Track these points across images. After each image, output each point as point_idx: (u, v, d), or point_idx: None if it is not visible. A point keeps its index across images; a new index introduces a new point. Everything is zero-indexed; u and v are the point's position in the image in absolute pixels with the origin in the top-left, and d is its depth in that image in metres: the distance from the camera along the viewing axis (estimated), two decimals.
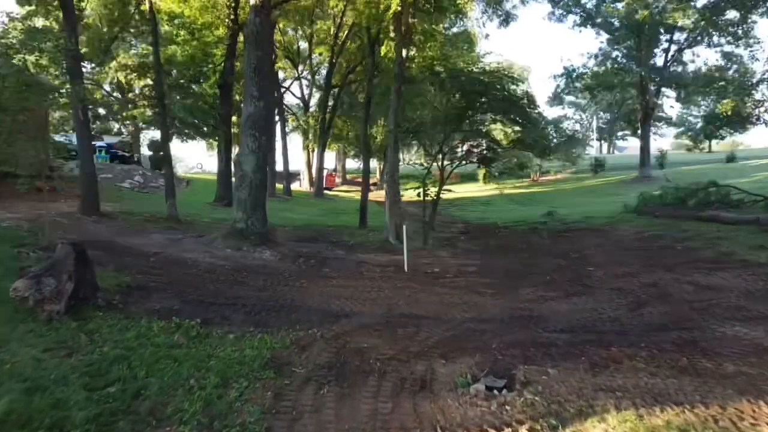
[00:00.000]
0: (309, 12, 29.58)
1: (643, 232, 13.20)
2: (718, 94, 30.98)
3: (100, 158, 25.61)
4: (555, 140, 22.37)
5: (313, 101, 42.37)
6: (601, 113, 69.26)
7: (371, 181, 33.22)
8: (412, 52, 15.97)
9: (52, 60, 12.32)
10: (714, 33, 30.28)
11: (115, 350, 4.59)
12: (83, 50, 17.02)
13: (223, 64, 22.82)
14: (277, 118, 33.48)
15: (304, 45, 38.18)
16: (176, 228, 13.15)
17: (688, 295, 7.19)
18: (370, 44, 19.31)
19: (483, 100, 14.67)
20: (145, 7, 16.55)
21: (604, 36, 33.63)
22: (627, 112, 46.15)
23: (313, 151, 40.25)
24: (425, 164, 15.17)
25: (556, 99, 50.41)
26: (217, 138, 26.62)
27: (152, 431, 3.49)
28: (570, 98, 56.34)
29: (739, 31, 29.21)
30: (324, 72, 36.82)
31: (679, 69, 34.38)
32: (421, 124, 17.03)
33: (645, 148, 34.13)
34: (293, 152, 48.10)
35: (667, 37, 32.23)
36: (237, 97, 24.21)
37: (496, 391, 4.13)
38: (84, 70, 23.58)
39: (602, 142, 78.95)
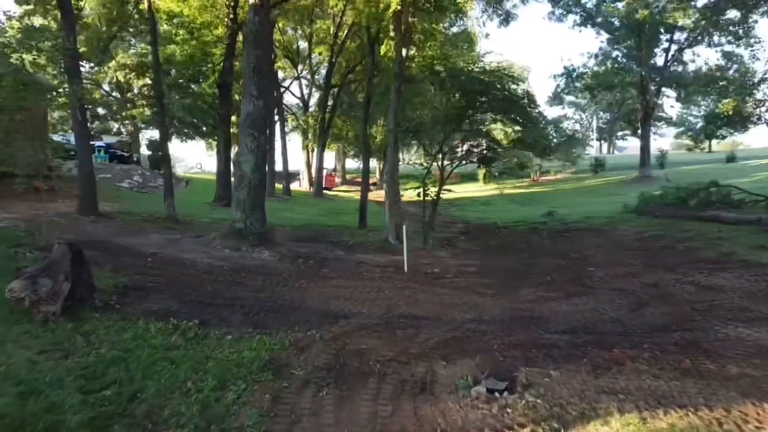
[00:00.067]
0: (308, 11, 29.52)
1: (643, 232, 13.15)
2: (719, 93, 30.95)
3: (98, 158, 25.54)
4: (555, 140, 22.30)
5: (313, 101, 42.34)
6: (601, 113, 69.21)
7: (371, 180, 33.18)
8: (412, 52, 15.92)
9: (49, 59, 12.25)
10: (714, 32, 30.23)
11: (111, 352, 4.54)
12: (82, 50, 16.93)
13: (222, 64, 22.76)
14: (276, 117, 33.42)
15: (303, 44, 38.14)
16: (175, 228, 13.08)
17: (690, 295, 7.16)
18: (370, 43, 19.26)
19: (483, 99, 14.60)
20: (144, 6, 16.48)
21: (605, 36, 33.60)
22: (627, 112, 46.09)
23: (312, 150, 40.21)
24: (425, 164, 15.11)
25: (556, 99, 50.36)
26: (216, 138, 26.54)
27: None
28: (570, 98, 56.28)
29: (740, 31, 29.17)
30: (323, 71, 36.79)
31: (680, 69, 34.32)
32: (421, 123, 16.97)
33: (645, 148, 34.07)
34: (293, 152, 48.17)
35: (668, 36, 32.19)
36: (236, 97, 24.12)
37: (497, 394, 4.09)
38: (83, 69, 23.56)
39: (602, 142, 78.92)
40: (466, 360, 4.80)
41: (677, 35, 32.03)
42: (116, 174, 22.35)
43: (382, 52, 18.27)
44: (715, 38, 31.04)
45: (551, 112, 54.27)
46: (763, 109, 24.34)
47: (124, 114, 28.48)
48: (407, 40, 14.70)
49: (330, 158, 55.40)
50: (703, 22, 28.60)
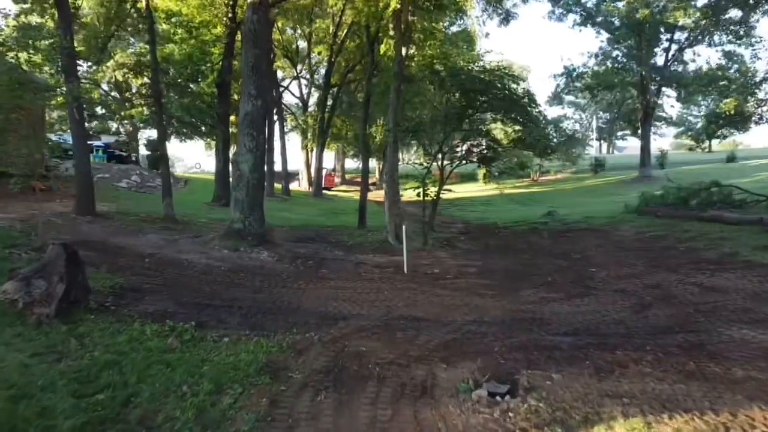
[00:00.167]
0: (308, 10, 29.45)
1: (644, 233, 13.08)
2: (720, 93, 30.91)
3: (97, 158, 25.47)
4: (555, 140, 22.27)
5: (312, 100, 42.31)
6: (601, 113, 69.21)
7: (370, 180, 33.20)
8: (411, 51, 15.87)
9: (46, 58, 12.15)
10: (715, 32, 30.19)
11: (105, 355, 4.45)
12: (79, 49, 16.84)
13: (220, 63, 22.69)
14: (275, 117, 33.34)
15: (303, 44, 38.11)
16: (173, 228, 12.99)
17: (693, 296, 7.08)
18: (370, 43, 19.18)
19: (483, 98, 14.55)
20: (142, 4, 16.39)
21: (605, 35, 33.61)
22: (627, 111, 46.06)
23: (311, 150, 40.14)
24: (425, 164, 15.05)
25: (556, 99, 50.40)
26: (214, 137, 26.48)
27: None
28: (570, 98, 56.34)
29: (741, 31, 29.12)
30: (323, 71, 36.75)
31: (680, 68, 34.29)
32: (421, 123, 16.93)
33: (645, 148, 34.05)
34: (292, 152, 48.10)
35: (668, 36, 32.17)
36: (235, 97, 24.07)
37: (498, 397, 4.00)
38: (81, 69, 23.46)
39: (602, 141, 78.96)
40: (466, 362, 4.71)
41: (677, 35, 32.06)
42: (114, 174, 22.27)
43: (381, 52, 18.21)
44: (716, 38, 31.04)
45: (551, 112, 54.36)
46: (765, 108, 24.27)
47: (122, 114, 28.39)
48: (407, 39, 14.64)
49: (329, 158, 55.47)
50: (703, 22, 28.55)
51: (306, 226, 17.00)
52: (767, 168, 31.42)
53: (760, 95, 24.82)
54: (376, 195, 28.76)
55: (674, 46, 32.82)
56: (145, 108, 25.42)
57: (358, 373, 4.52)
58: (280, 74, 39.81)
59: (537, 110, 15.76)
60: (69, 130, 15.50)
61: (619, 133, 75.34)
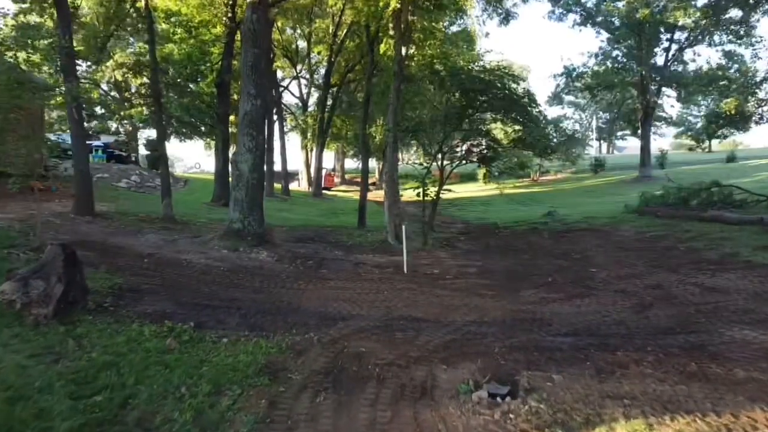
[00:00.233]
0: (307, 10, 29.43)
1: (645, 233, 13.06)
2: (721, 93, 30.90)
3: (96, 158, 25.42)
4: (555, 140, 22.25)
5: (312, 100, 42.26)
6: (601, 113, 69.17)
7: (370, 180, 33.18)
8: (411, 50, 15.84)
9: (44, 57, 12.12)
10: (715, 32, 30.16)
11: (103, 356, 4.41)
12: (78, 48, 16.80)
13: (220, 63, 22.66)
14: (275, 117, 33.30)
15: (302, 44, 38.06)
16: (172, 228, 12.95)
17: (694, 297, 7.06)
18: (369, 42, 19.16)
19: (483, 98, 14.53)
20: (141, 4, 16.36)
21: (605, 35, 33.59)
22: (627, 111, 46.07)
23: (311, 150, 40.10)
24: (425, 164, 15.02)
25: (556, 99, 50.38)
26: (214, 137, 26.45)
27: None
28: (569, 98, 56.33)
29: (741, 31, 29.10)
30: (322, 71, 36.70)
31: (680, 68, 34.26)
32: (421, 123, 16.90)
33: (645, 148, 34.03)
34: (291, 152, 48.08)
35: (668, 36, 32.14)
36: (235, 96, 24.05)
37: (499, 399, 3.98)
38: (81, 68, 23.42)
39: (601, 142, 78.93)
40: (467, 363, 4.69)
41: (677, 35, 32.02)
42: (114, 174, 22.22)
43: (381, 51, 18.19)
44: (716, 38, 31.02)
45: (551, 112, 54.28)
46: (765, 108, 24.25)
47: (122, 114, 28.37)
48: (407, 38, 14.62)
49: (329, 158, 55.43)
50: (703, 22, 28.53)
51: (305, 226, 16.98)
52: (767, 168, 31.42)
53: (761, 95, 24.83)
54: (376, 195, 28.74)
55: (674, 46, 32.83)
56: (144, 108, 25.38)
57: (358, 374, 4.50)
58: (279, 74, 39.78)
59: (537, 110, 15.74)
60: (68, 130, 15.48)
61: (619, 133, 75.32)
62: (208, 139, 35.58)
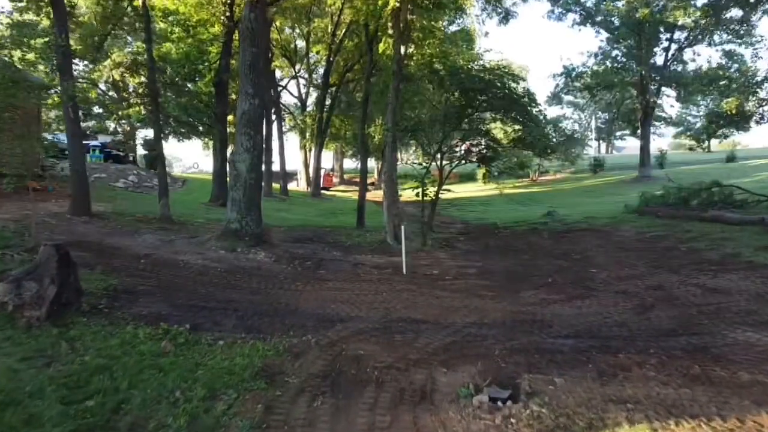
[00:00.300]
0: (306, 9, 29.38)
1: (645, 233, 12.99)
2: (721, 92, 30.87)
3: (93, 157, 25.35)
4: (554, 140, 22.20)
5: (311, 100, 42.19)
6: (600, 113, 69.14)
7: (369, 180, 33.11)
8: (410, 50, 15.77)
9: (40, 56, 12.03)
10: (715, 31, 30.12)
11: (96, 359, 4.34)
12: (76, 48, 16.70)
13: (218, 62, 22.56)
14: (273, 117, 33.22)
15: (301, 43, 37.99)
16: (169, 228, 12.87)
17: (695, 298, 6.99)
18: (368, 42, 19.09)
19: (483, 98, 14.45)
20: (138, 2, 16.26)
21: (604, 35, 33.55)
22: (626, 111, 46.06)
23: (310, 150, 40.03)
24: (424, 163, 14.95)
25: (555, 98, 50.32)
26: (212, 137, 26.36)
27: None
28: (569, 98, 56.24)
29: (741, 31, 29.06)
30: (321, 70, 36.64)
31: (680, 68, 34.22)
32: (420, 122, 16.83)
33: (645, 148, 33.99)
34: (290, 152, 48.01)
35: (668, 35, 32.10)
36: (233, 96, 23.98)
37: (500, 403, 3.90)
38: (79, 68, 23.34)
39: (600, 142, 78.90)
40: (467, 366, 4.63)
41: (677, 34, 31.98)
42: (111, 174, 22.14)
43: (380, 51, 18.13)
44: (716, 37, 30.98)
45: (550, 112, 54.19)
46: (766, 108, 24.20)
47: (120, 113, 28.26)
48: (406, 37, 14.55)
49: (328, 158, 55.37)
50: (703, 21, 28.48)
51: (304, 226, 16.91)
52: (767, 168, 31.39)
53: (762, 94, 24.80)
54: (375, 195, 28.64)
55: (674, 46, 32.80)
56: (142, 107, 25.27)
57: (356, 377, 4.43)
58: (278, 74, 39.70)
59: (537, 109, 15.67)
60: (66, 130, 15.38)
61: (618, 133, 75.28)
62: (206, 139, 35.50)
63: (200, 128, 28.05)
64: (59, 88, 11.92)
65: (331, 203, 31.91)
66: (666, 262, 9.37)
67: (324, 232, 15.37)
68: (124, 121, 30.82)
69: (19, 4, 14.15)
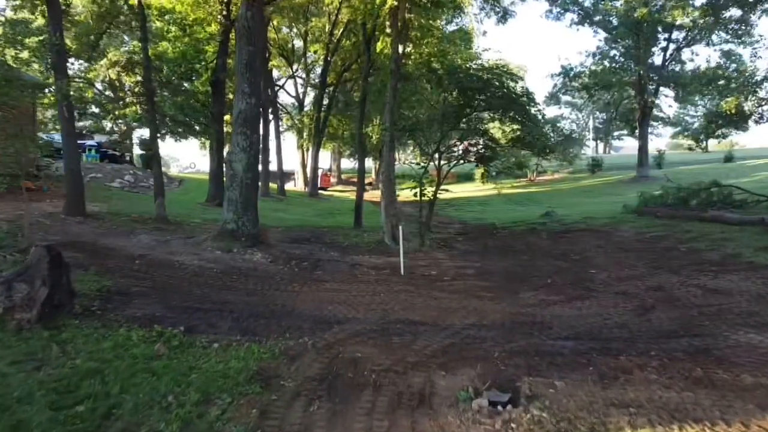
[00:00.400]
0: (303, 9, 29.25)
1: (644, 233, 12.93)
2: (720, 92, 30.88)
3: (89, 157, 25.22)
4: (553, 139, 22.18)
5: (308, 100, 42.16)
6: (598, 113, 69.25)
7: (367, 180, 33.02)
8: (408, 49, 15.69)
9: (34, 54, 11.92)
10: (714, 31, 30.12)
11: (88, 363, 4.25)
12: (71, 46, 16.57)
13: (215, 61, 22.46)
14: (271, 116, 33.12)
15: (298, 43, 37.92)
16: (165, 229, 12.77)
17: (696, 299, 6.92)
18: (366, 41, 19.01)
19: (481, 97, 14.37)
20: (134, 1, 16.14)
21: (602, 34, 33.55)
22: (624, 111, 46.12)
23: (307, 150, 39.94)
24: (422, 163, 14.87)
25: (553, 98, 50.34)
26: (208, 137, 26.26)
27: None
28: (566, 98, 56.31)
29: (740, 31, 29.07)
30: (319, 70, 36.56)
31: (678, 68, 34.23)
32: (418, 122, 16.75)
33: (643, 148, 34.01)
34: (287, 152, 47.92)
35: (666, 35, 32.09)
36: (230, 96, 23.88)
37: (500, 407, 3.84)
38: (75, 67, 23.19)
39: (598, 141, 79.03)
40: (466, 369, 4.55)
41: (675, 34, 31.98)
42: (107, 173, 22.02)
43: (378, 50, 18.04)
44: (714, 37, 30.99)
45: (548, 112, 54.21)
46: (766, 108, 24.18)
47: (117, 113, 28.14)
48: (404, 36, 14.47)
49: (325, 158, 55.31)
50: (702, 21, 28.47)
51: (301, 226, 16.82)
52: (765, 168, 31.45)
53: (761, 94, 24.79)
54: (373, 195, 28.57)
55: (672, 46, 32.82)
56: (138, 107, 25.16)
57: (353, 380, 4.35)
58: (276, 73, 39.61)
59: (535, 109, 15.61)
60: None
61: (616, 133, 75.41)
62: (203, 139, 35.39)
63: (197, 128, 27.94)
64: (54, 87, 11.79)
65: (328, 203, 31.83)
66: (666, 263, 9.31)
67: (321, 232, 15.28)
68: (120, 121, 30.70)
69: (14, 2, 14.05)
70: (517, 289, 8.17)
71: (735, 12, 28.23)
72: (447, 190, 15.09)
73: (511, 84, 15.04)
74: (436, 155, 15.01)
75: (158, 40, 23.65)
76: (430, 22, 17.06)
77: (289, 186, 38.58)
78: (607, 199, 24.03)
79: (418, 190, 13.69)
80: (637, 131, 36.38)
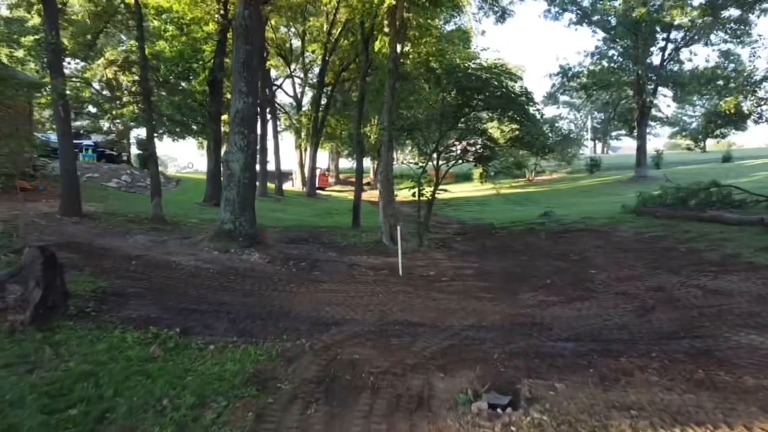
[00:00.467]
0: (301, 8, 29.19)
1: (644, 233, 12.89)
2: (719, 92, 30.91)
3: (86, 157, 25.10)
4: (552, 139, 22.16)
5: (306, 99, 42.07)
6: (596, 113, 69.26)
7: (365, 180, 32.96)
8: (406, 48, 15.62)
9: (28, 53, 11.83)
10: (712, 31, 30.12)
11: (81, 366, 4.18)
12: (67, 45, 16.46)
13: (212, 61, 22.39)
14: (269, 116, 33.04)
15: (296, 43, 37.85)
16: (161, 229, 12.67)
17: (697, 299, 6.88)
18: (364, 40, 18.95)
19: (480, 97, 14.33)
20: (131, 0, 16.05)
21: (601, 34, 33.54)
22: (623, 111, 46.21)
23: (305, 150, 39.86)
24: (420, 163, 14.82)
25: (551, 98, 50.29)
26: (206, 136, 26.17)
27: None
28: (564, 98, 56.29)
29: (739, 31, 29.08)
30: (317, 70, 36.47)
31: (676, 68, 34.24)
32: (416, 122, 16.68)
33: (641, 148, 34.01)
34: (285, 151, 47.89)
35: (664, 35, 32.09)
36: (228, 95, 23.80)
37: (499, 410, 3.78)
38: (73, 67, 23.08)
39: (596, 141, 79.06)
40: (465, 371, 4.49)
41: (674, 34, 31.99)
42: (104, 173, 21.88)
43: (376, 49, 17.98)
44: (713, 37, 30.99)
45: (546, 112, 54.18)
46: (765, 107, 24.19)
47: (114, 113, 28.04)
48: (402, 36, 14.40)
49: (323, 158, 55.27)
50: (700, 21, 28.46)
51: (299, 226, 16.75)
52: (764, 168, 31.47)
53: (760, 93, 24.79)
54: (371, 195, 28.52)
55: (670, 46, 32.81)
56: (135, 106, 25.07)
57: (351, 383, 4.30)
58: (274, 73, 39.55)
59: (534, 108, 15.56)
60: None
61: (614, 133, 75.44)
62: (200, 139, 35.29)
63: (194, 127, 27.83)
64: (50, 86, 11.70)
65: (326, 203, 31.76)
66: (665, 263, 9.26)
67: (319, 232, 15.21)
68: (117, 121, 30.60)
69: (10, 1, 13.95)
70: (516, 289, 8.12)
71: (734, 12, 28.23)
72: (445, 190, 15.05)
73: (510, 83, 14.99)
74: (435, 155, 14.96)
75: (155, 39, 23.57)
76: (429, 21, 16.98)
77: (287, 186, 38.50)
78: (606, 199, 24.00)
79: (416, 190, 13.64)
80: (635, 131, 36.37)
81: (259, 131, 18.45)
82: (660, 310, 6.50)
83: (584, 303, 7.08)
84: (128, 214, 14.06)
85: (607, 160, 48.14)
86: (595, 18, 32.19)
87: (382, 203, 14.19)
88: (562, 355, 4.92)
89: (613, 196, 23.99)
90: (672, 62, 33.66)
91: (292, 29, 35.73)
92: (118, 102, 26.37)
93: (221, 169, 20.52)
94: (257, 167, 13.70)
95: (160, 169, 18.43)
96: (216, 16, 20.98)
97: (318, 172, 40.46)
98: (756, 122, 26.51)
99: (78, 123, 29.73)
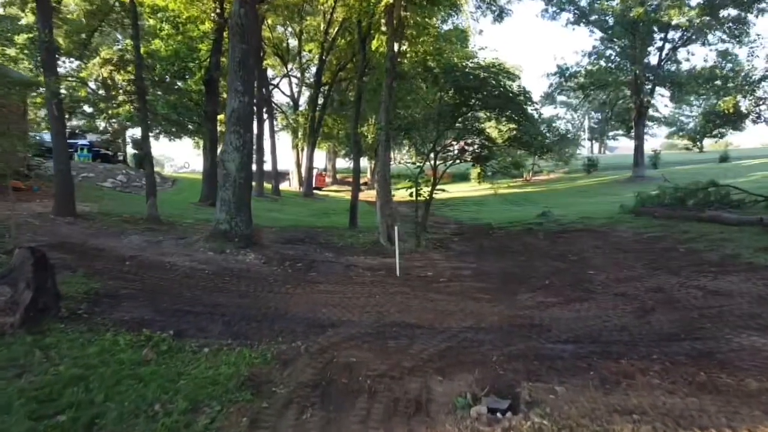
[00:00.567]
0: (298, 7, 29.09)
1: (642, 233, 12.84)
2: (717, 92, 30.95)
3: (82, 156, 24.96)
4: (549, 139, 22.13)
5: (303, 99, 41.97)
6: (593, 113, 69.26)
7: (362, 180, 32.92)
8: (404, 47, 15.55)
9: (22, 51, 11.70)
10: (710, 31, 30.15)
11: (72, 369, 4.08)
12: (62, 44, 16.32)
13: (208, 60, 22.26)
14: (265, 116, 32.93)
15: (293, 42, 37.74)
16: (156, 229, 12.56)
17: (697, 300, 6.82)
18: (361, 39, 18.89)
19: (477, 96, 14.26)
20: None
21: (598, 34, 33.56)
22: (620, 111, 46.27)
23: (302, 150, 39.78)
24: (417, 163, 14.75)
25: (548, 98, 50.29)
26: (202, 136, 26.05)
27: None
28: (562, 98, 56.25)
29: (736, 30, 29.11)
30: (314, 69, 36.40)
31: (674, 68, 34.26)
32: (413, 121, 16.62)
33: (639, 148, 34.03)
34: (282, 151, 47.79)
35: (662, 35, 32.12)
36: (224, 95, 23.70)
37: (499, 414, 3.70)
38: (69, 66, 22.93)
39: (593, 142, 79.10)
40: (463, 374, 4.41)
41: (671, 34, 32.03)
42: (99, 173, 21.76)
43: (373, 48, 17.92)
44: (710, 37, 31.03)
45: (543, 112, 54.18)
46: (763, 107, 24.22)
47: (110, 112, 27.87)
48: (399, 34, 14.33)
49: (320, 157, 55.15)
50: (698, 21, 28.47)
51: (295, 226, 16.65)
52: (762, 168, 31.50)
53: (759, 93, 24.81)
54: (368, 195, 28.48)
55: (668, 45, 32.83)
56: (130, 105, 24.91)
57: (348, 386, 4.21)
58: (270, 72, 39.46)
59: (532, 108, 15.51)
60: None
61: (611, 133, 75.47)
62: (196, 138, 35.15)
63: (190, 127, 27.70)
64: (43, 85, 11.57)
65: (323, 203, 31.67)
66: (665, 264, 9.21)
67: (316, 232, 15.12)
68: (113, 120, 30.44)
69: None
70: (514, 290, 8.05)
71: (732, 11, 28.25)
72: (443, 190, 14.98)
73: (508, 83, 14.93)
74: (432, 155, 14.89)
75: (151, 38, 23.43)
76: (426, 20, 16.93)
77: (283, 186, 38.39)
78: (604, 199, 23.99)
79: (413, 190, 13.57)
80: (632, 131, 36.38)
81: (255, 131, 18.41)
82: (660, 311, 6.43)
83: (583, 304, 7.01)
84: (123, 215, 13.95)
85: (604, 160, 48.21)
86: (593, 18, 32.20)
87: (379, 203, 14.12)
88: (562, 357, 4.85)
89: (611, 196, 23.97)
90: (669, 62, 33.71)
91: (289, 28, 35.65)
92: (113, 101, 26.20)
93: (217, 169, 20.45)
94: (254, 167, 13.62)
95: (156, 168, 18.31)
96: (212, 14, 20.88)
97: (315, 172, 40.37)
98: (754, 122, 26.56)
99: (74, 122, 29.57)
